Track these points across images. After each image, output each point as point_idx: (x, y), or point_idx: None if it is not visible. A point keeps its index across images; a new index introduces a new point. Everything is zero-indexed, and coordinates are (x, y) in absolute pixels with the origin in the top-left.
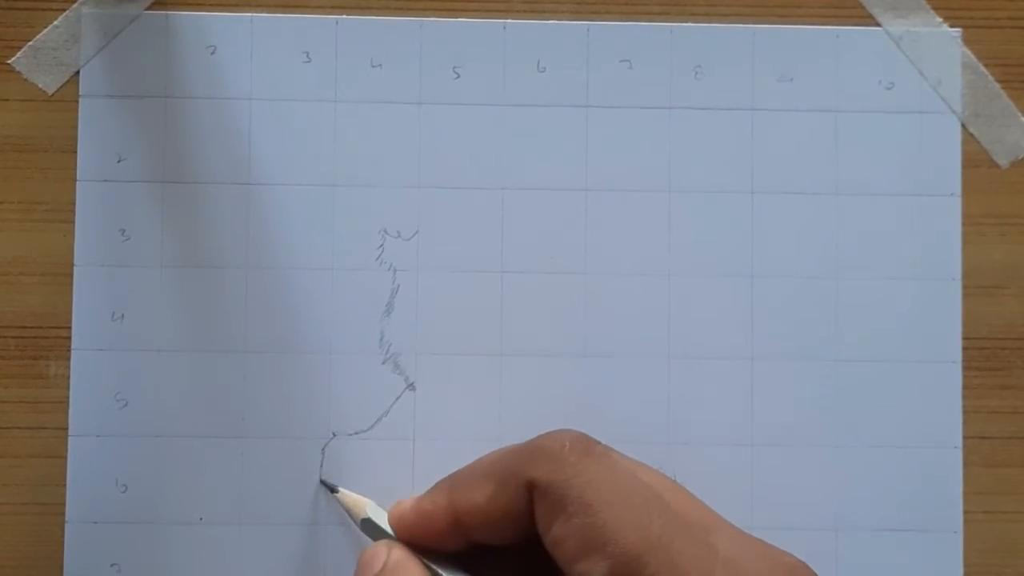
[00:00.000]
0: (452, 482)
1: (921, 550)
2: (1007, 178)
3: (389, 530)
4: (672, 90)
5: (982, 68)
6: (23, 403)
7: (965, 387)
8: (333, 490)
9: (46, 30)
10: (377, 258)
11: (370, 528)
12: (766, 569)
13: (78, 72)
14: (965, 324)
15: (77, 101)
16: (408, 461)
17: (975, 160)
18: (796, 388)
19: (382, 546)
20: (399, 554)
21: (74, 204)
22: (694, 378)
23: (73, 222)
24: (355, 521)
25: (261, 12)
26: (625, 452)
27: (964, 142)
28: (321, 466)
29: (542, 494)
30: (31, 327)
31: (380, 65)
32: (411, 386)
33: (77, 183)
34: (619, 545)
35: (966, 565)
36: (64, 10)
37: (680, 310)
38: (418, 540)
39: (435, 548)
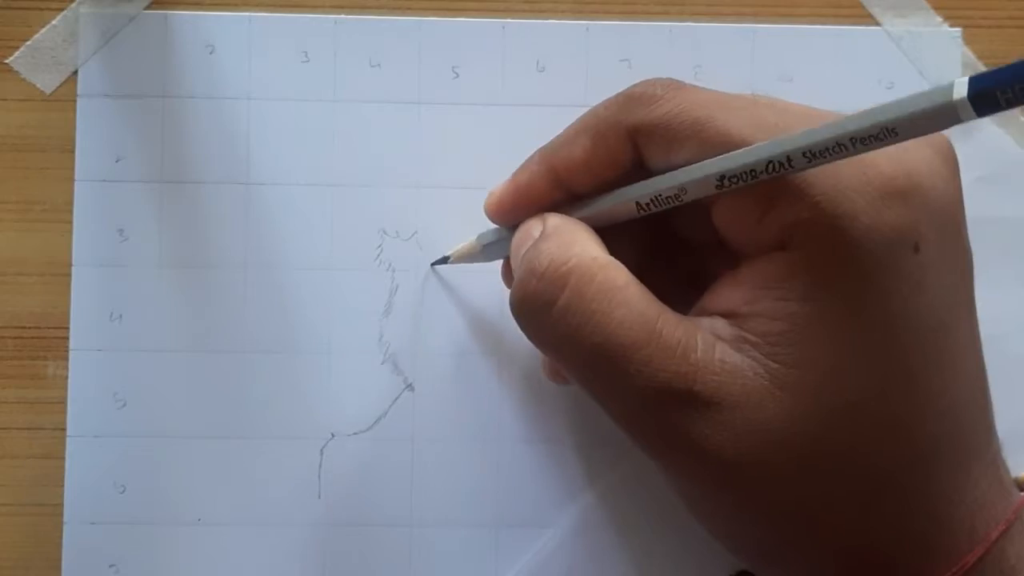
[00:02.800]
0: (545, 151)
1: None
2: None
3: (505, 231)
4: None
5: (982, 68)
6: (21, 403)
7: None
8: (445, 260)
9: (44, 30)
10: (376, 258)
11: (493, 246)
12: (915, 146)
13: (76, 72)
14: None
15: (75, 101)
16: (407, 461)
17: None
18: None
19: (534, 219)
20: (556, 219)
21: (72, 204)
22: None
23: (71, 222)
24: (477, 257)
25: (260, 11)
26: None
27: None
28: (320, 466)
29: (649, 136)
30: (29, 327)
31: (379, 65)
32: (410, 386)
33: (75, 183)
34: (736, 140)
35: None
36: (62, 10)
37: None
38: (522, 216)
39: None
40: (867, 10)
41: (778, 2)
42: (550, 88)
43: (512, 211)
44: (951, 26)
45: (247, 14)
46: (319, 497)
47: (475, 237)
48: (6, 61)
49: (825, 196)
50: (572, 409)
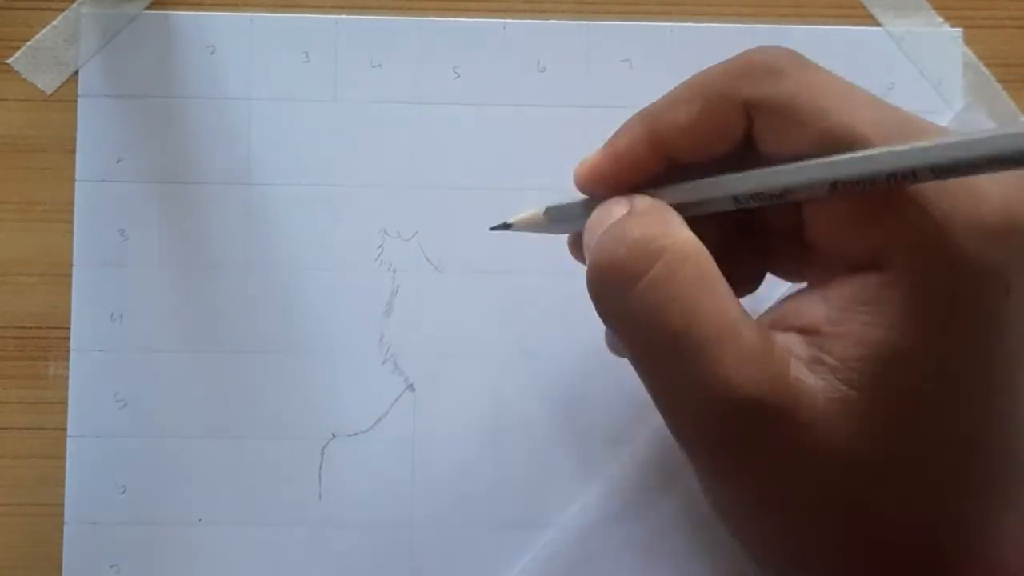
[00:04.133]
0: (646, 114)
1: None
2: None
3: (581, 197)
4: None
5: (983, 68)
6: (22, 403)
7: None
8: (507, 227)
9: (45, 30)
10: (377, 258)
11: (562, 218)
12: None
13: (77, 72)
14: None
15: (76, 101)
16: (408, 461)
17: None
18: None
19: (619, 198)
20: (646, 199)
21: (73, 204)
22: None
23: (72, 222)
24: (542, 228)
25: (261, 12)
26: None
27: None
28: (320, 467)
29: (767, 110)
30: (30, 327)
31: (380, 65)
32: (411, 386)
33: (76, 183)
34: (859, 135)
35: None
36: (63, 10)
37: None
38: (618, 184)
39: (634, 187)
40: (868, 10)
41: (778, 2)
42: (551, 88)
43: (609, 178)
44: (952, 26)
45: (248, 14)
46: (320, 497)
47: (543, 208)
48: (7, 61)
49: (935, 223)
50: (573, 409)
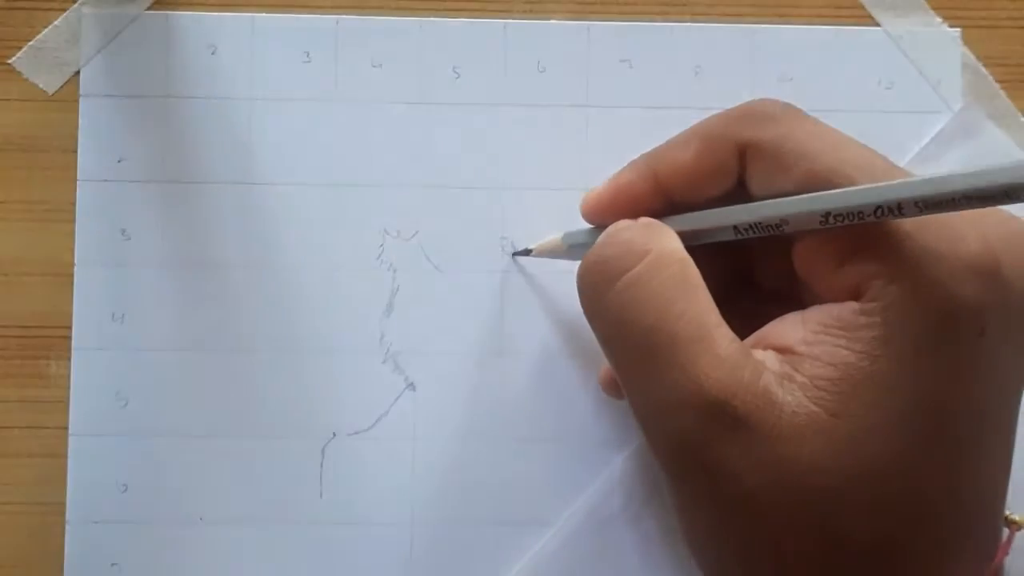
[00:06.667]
0: (650, 154)
1: None
2: None
3: (596, 229)
4: (672, 90)
5: (982, 68)
6: (23, 402)
7: None
8: (527, 253)
9: (46, 30)
10: (378, 258)
11: (577, 246)
12: (1001, 224)
13: (78, 72)
14: None
15: (77, 101)
16: (408, 461)
17: None
18: None
19: (623, 220)
20: (646, 219)
21: (74, 204)
22: None
23: (74, 222)
24: (561, 254)
25: (261, 12)
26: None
27: None
28: (321, 466)
29: (758, 152)
30: (32, 327)
31: (380, 65)
32: (411, 386)
33: (78, 183)
34: (848, 180)
35: None
36: (64, 10)
37: None
38: (618, 216)
39: (633, 216)
40: (867, 10)
41: (778, 2)
42: (551, 88)
43: (609, 211)
44: (950, 26)
45: (249, 14)
46: (321, 496)
47: (561, 234)
48: (8, 61)
49: (914, 257)
50: (573, 409)
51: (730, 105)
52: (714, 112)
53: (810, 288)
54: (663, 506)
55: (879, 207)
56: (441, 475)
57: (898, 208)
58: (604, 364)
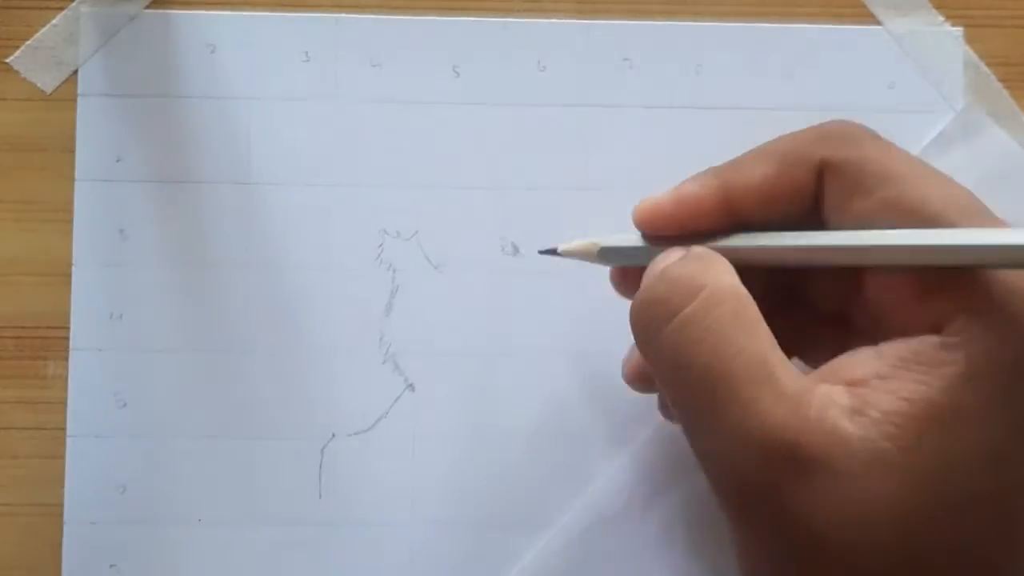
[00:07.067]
0: (720, 168)
1: None
2: None
3: (637, 240)
4: (672, 89)
5: (984, 67)
6: (22, 403)
7: None
8: (554, 253)
9: (45, 29)
10: (377, 258)
11: (613, 253)
12: None
13: (77, 71)
14: None
15: (76, 100)
16: (408, 461)
17: None
18: None
19: (680, 247)
20: (701, 248)
21: (72, 204)
22: None
23: (72, 222)
24: (591, 259)
25: (261, 11)
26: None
27: None
28: (320, 466)
29: (837, 172)
30: (30, 327)
31: (380, 64)
32: (411, 386)
33: (76, 182)
34: (929, 211)
35: None
36: (63, 9)
37: None
38: (675, 229)
39: (692, 234)
40: (868, 9)
41: (778, 2)
42: (551, 87)
43: (667, 221)
44: (953, 25)
45: (248, 13)
46: (320, 497)
47: (595, 239)
48: (6, 60)
49: (998, 293)
50: (573, 409)
51: (731, 105)
52: (715, 112)
53: (879, 316)
54: (666, 505)
55: (982, 265)
56: (441, 475)
57: (996, 266)
58: (629, 359)
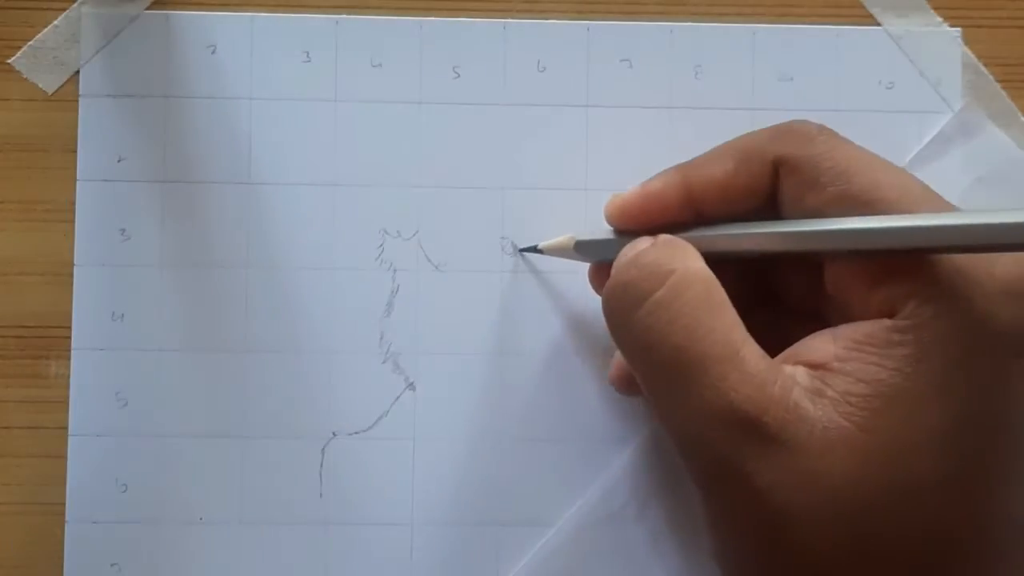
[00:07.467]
0: (683, 165)
1: None
2: None
3: (610, 234)
4: (672, 90)
5: (982, 68)
6: (23, 403)
7: None
8: (536, 250)
9: (46, 30)
10: (377, 258)
11: (588, 247)
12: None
13: (78, 72)
14: None
15: (77, 101)
16: (408, 461)
17: None
18: None
19: (647, 237)
20: (668, 236)
21: (74, 204)
22: None
23: (73, 222)
24: (569, 255)
25: (261, 12)
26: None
27: None
28: (321, 466)
29: (792, 169)
30: (31, 327)
31: (380, 65)
32: (411, 386)
33: (77, 183)
34: (883, 203)
35: None
36: (64, 10)
37: None
38: (643, 223)
39: (659, 227)
40: (867, 10)
41: (778, 2)
42: (551, 88)
43: (636, 217)
44: (951, 26)
45: (249, 14)
46: (320, 496)
47: (572, 235)
48: (8, 61)
49: (948, 278)
50: (573, 408)
51: (731, 105)
52: (715, 112)
53: (840, 305)
54: (665, 504)
55: (918, 248)
56: (441, 475)
57: (946, 249)
58: (614, 360)
